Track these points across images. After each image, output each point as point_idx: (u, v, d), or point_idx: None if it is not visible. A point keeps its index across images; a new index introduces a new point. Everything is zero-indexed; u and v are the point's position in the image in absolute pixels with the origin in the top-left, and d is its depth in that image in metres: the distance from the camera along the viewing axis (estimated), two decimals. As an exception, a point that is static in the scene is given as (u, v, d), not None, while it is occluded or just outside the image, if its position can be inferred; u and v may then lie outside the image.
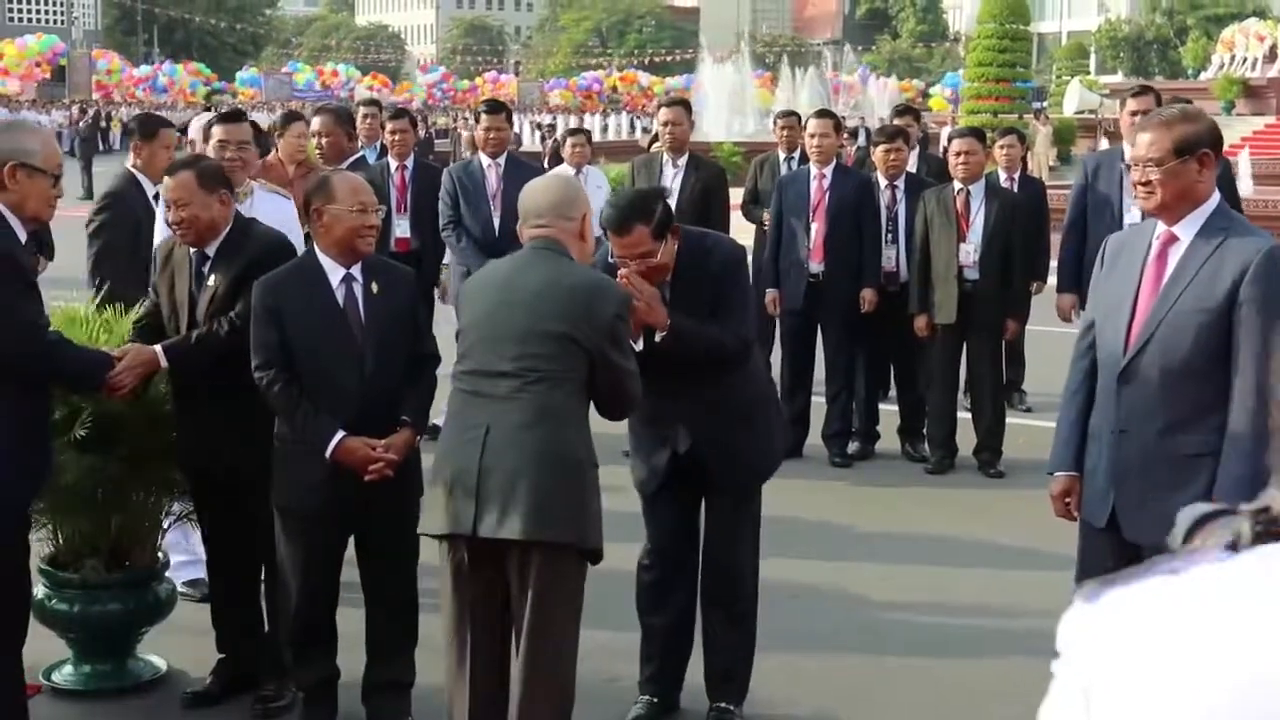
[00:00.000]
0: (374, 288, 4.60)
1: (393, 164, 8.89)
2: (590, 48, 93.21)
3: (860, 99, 57.10)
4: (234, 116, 6.32)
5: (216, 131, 6.01)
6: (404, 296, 4.70)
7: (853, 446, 8.77)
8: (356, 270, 4.60)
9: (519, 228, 4.27)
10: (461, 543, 4.02)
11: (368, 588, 4.80)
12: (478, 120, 8.92)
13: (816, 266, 8.56)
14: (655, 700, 4.99)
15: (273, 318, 4.52)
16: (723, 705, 4.91)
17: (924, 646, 5.73)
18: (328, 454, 4.47)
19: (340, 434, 4.48)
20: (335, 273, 4.58)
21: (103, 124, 47.65)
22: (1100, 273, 4.33)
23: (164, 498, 5.18)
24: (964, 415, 8.63)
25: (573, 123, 49.40)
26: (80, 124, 37.39)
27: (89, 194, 32.13)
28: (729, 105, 49.70)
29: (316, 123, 8.12)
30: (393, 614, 4.77)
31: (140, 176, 6.42)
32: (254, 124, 6.62)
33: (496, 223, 8.43)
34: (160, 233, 5.74)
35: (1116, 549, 4.15)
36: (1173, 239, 4.06)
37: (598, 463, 4.15)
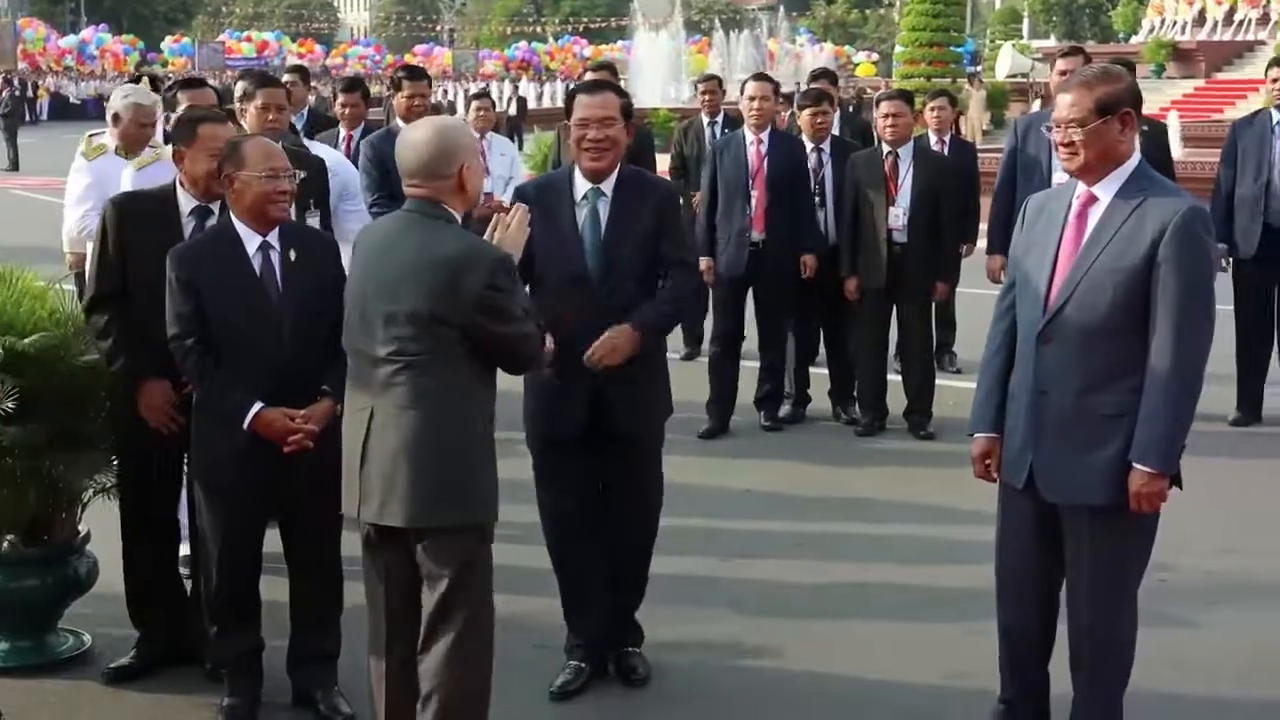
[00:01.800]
0: (291, 255, 4.53)
1: (343, 134, 8.69)
2: (525, 15, 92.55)
3: (796, 65, 57.09)
4: (196, 83, 6.12)
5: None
6: (325, 264, 4.63)
7: (784, 410, 8.79)
8: (273, 238, 4.53)
9: None
10: (362, 522, 4.01)
11: (291, 559, 4.76)
12: (398, 88, 8.55)
13: (758, 235, 8.46)
14: (584, 665, 4.98)
15: (187, 288, 4.44)
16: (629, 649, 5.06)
17: (852, 606, 5.76)
18: (245, 425, 4.41)
19: (258, 405, 4.42)
20: (251, 240, 4.51)
21: (29, 94, 46.88)
22: (1020, 234, 4.33)
23: (84, 472, 5.10)
24: (894, 378, 8.66)
25: (507, 90, 49.19)
26: (4, 94, 36.72)
27: (14, 165, 31.65)
28: (664, 72, 49.62)
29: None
30: (317, 585, 4.72)
31: None
32: (216, 91, 6.42)
33: None
34: None
35: (1035, 509, 4.17)
36: (1092, 199, 4.07)
37: (491, 434, 4.03)
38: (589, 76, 8.85)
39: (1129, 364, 3.99)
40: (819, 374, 9.05)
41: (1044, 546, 4.20)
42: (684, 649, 5.28)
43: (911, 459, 8.00)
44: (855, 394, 8.75)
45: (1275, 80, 8.65)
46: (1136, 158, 4.07)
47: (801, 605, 5.80)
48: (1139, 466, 3.94)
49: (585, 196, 4.85)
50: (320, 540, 4.69)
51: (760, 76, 9.01)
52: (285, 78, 9.90)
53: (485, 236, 4.07)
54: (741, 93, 8.74)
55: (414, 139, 4.02)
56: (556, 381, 4.75)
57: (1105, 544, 4.07)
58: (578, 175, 4.87)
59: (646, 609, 5.12)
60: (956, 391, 8.89)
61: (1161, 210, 3.96)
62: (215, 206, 4.81)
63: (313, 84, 49.27)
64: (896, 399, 8.57)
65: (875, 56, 57.86)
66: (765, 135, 8.52)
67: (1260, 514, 7.13)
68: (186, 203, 4.85)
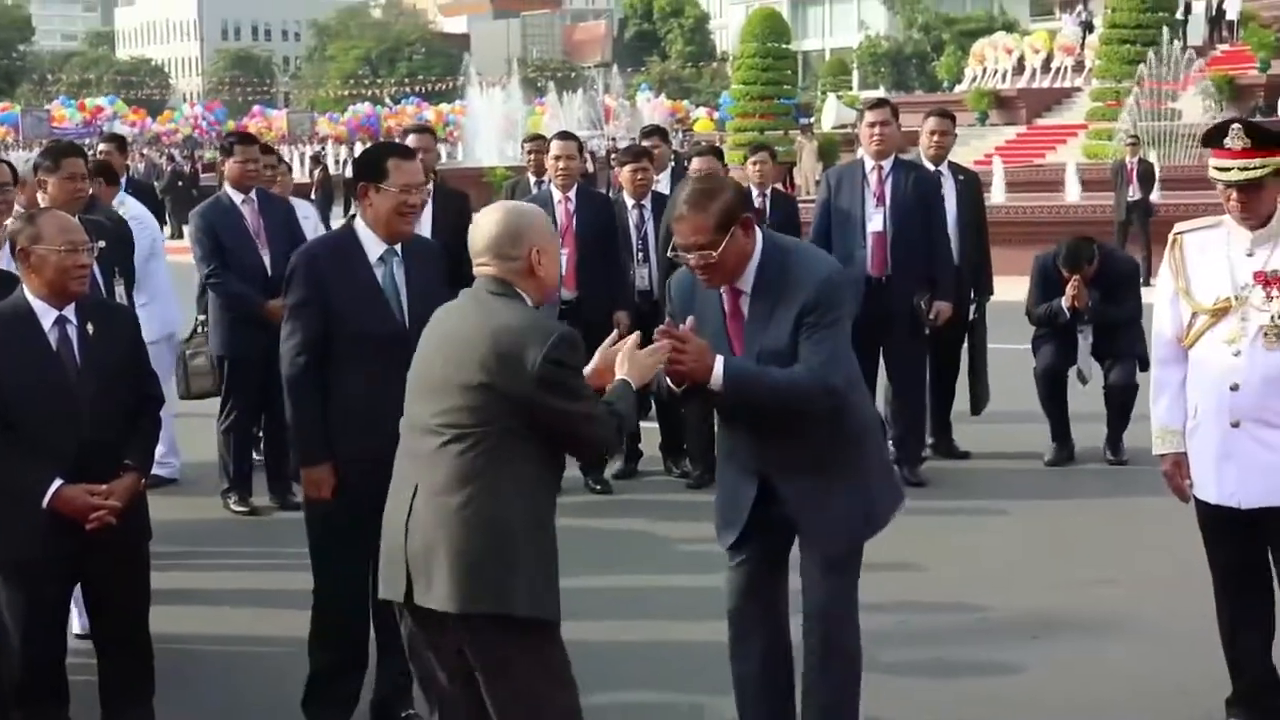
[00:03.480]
0: (89, 329, 4.47)
1: (238, 198, 8.21)
2: (360, 77, 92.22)
3: (630, 120, 57.60)
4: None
5: None
6: (123, 337, 4.57)
7: (614, 468, 8.77)
8: (70, 312, 4.46)
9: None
10: (403, 609, 3.82)
11: (99, 637, 4.66)
12: (229, 154, 8.31)
13: (569, 294, 8.40)
14: None
15: (-20, 364, 4.35)
16: None
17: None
18: (45, 503, 4.32)
19: (58, 482, 4.34)
20: (47, 315, 4.44)
21: None
22: (679, 306, 4.50)
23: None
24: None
25: (343, 152, 48.88)
26: None
27: None
28: (501, 130, 49.79)
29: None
30: (127, 663, 4.63)
31: None
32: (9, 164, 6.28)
33: (268, 263, 7.92)
34: None
35: None
36: (739, 292, 4.32)
37: (551, 525, 3.81)
38: (410, 139, 8.83)
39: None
40: (649, 428, 9.08)
41: None
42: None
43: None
44: (684, 447, 8.81)
45: (871, 125, 8.49)
46: (759, 241, 4.29)
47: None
48: None
49: (382, 257, 4.89)
50: (128, 617, 4.59)
51: (565, 135, 9.04)
52: (101, 147, 9.78)
53: (617, 360, 3.95)
54: (548, 152, 8.76)
55: (484, 219, 3.91)
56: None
57: None
58: (369, 236, 4.87)
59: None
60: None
61: (797, 289, 4.21)
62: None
63: (143, 151, 48.12)
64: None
65: (716, 113, 58.58)
66: (573, 194, 8.56)
67: (1077, 550, 7.32)
68: None
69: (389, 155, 4.90)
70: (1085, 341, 8.89)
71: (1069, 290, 8.73)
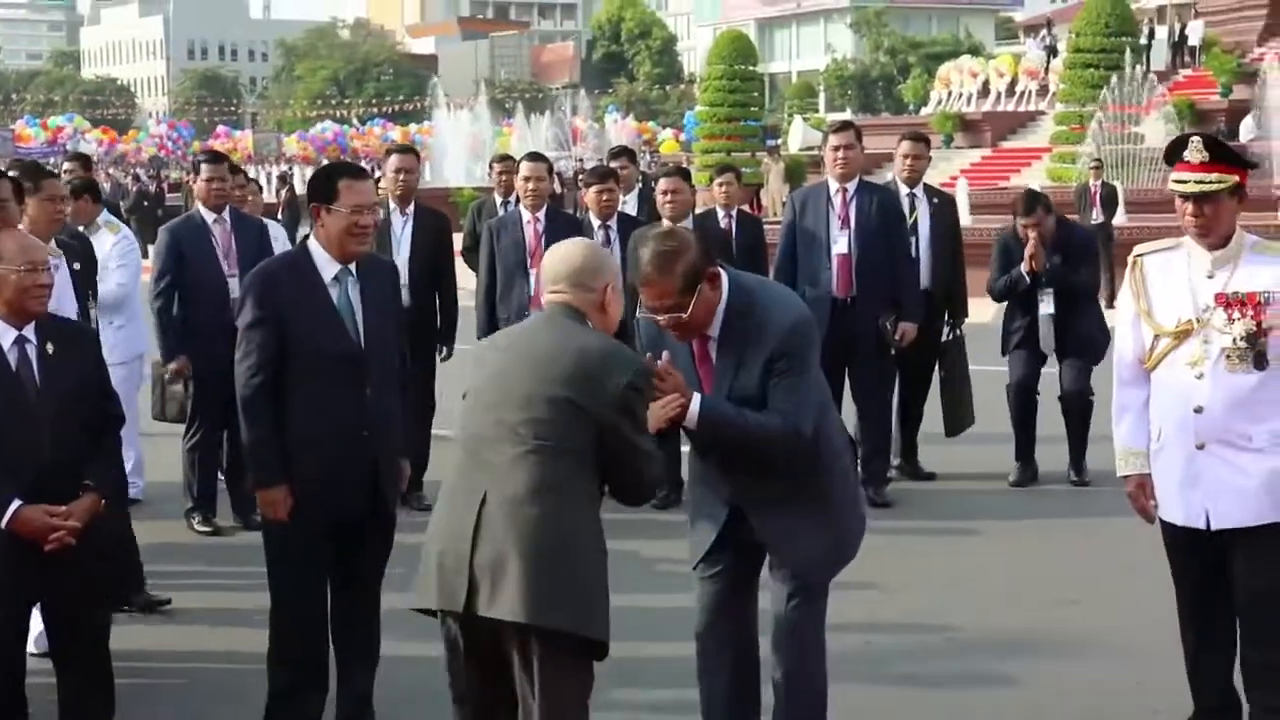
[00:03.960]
0: (49, 348, 4.44)
1: (209, 217, 8.11)
2: (328, 97, 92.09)
3: (599, 141, 57.74)
4: None
5: None
6: (83, 356, 4.55)
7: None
8: (30, 331, 4.43)
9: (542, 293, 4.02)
10: (452, 619, 3.80)
11: (58, 658, 4.61)
12: (197, 171, 8.33)
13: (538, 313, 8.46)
14: None
15: (-61, 385, 4.31)
16: None
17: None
18: (2, 524, 4.28)
19: (16, 503, 4.30)
20: (6, 335, 4.40)
21: None
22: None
23: None
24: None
25: (308, 172, 48.73)
26: None
27: None
28: (469, 151, 49.80)
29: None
30: (86, 685, 4.57)
31: None
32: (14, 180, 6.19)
33: (235, 283, 7.70)
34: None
35: None
36: (706, 337, 4.37)
37: (605, 549, 3.84)
38: (393, 160, 8.80)
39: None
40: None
41: None
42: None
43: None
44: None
45: (835, 148, 8.50)
46: (725, 291, 4.33)
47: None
48: None
49: (336, 277, 4.90)
50: (88, 638, 4.55)
51: (534, 156, 9.05)
52: (65, 165, 9.73)
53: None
54: (515, 174, 8.75)
55: (565, 248, 4.00)
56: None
57: None
58: (323, 256, 4.88)
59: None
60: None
61: (763, 338, 4.29)
62: None
63: (109, 171, 47.83)
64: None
65: (682, 134, 58.81)
66: (542, 214, 8.57)
67: (1041, 570, 7.34)
68: None
69: (340, 176, 4.91)
70: (1046, 309, 8.86)
71: (1027, 251, 8.78)
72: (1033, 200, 8.98)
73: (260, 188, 11.19)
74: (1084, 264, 9.02)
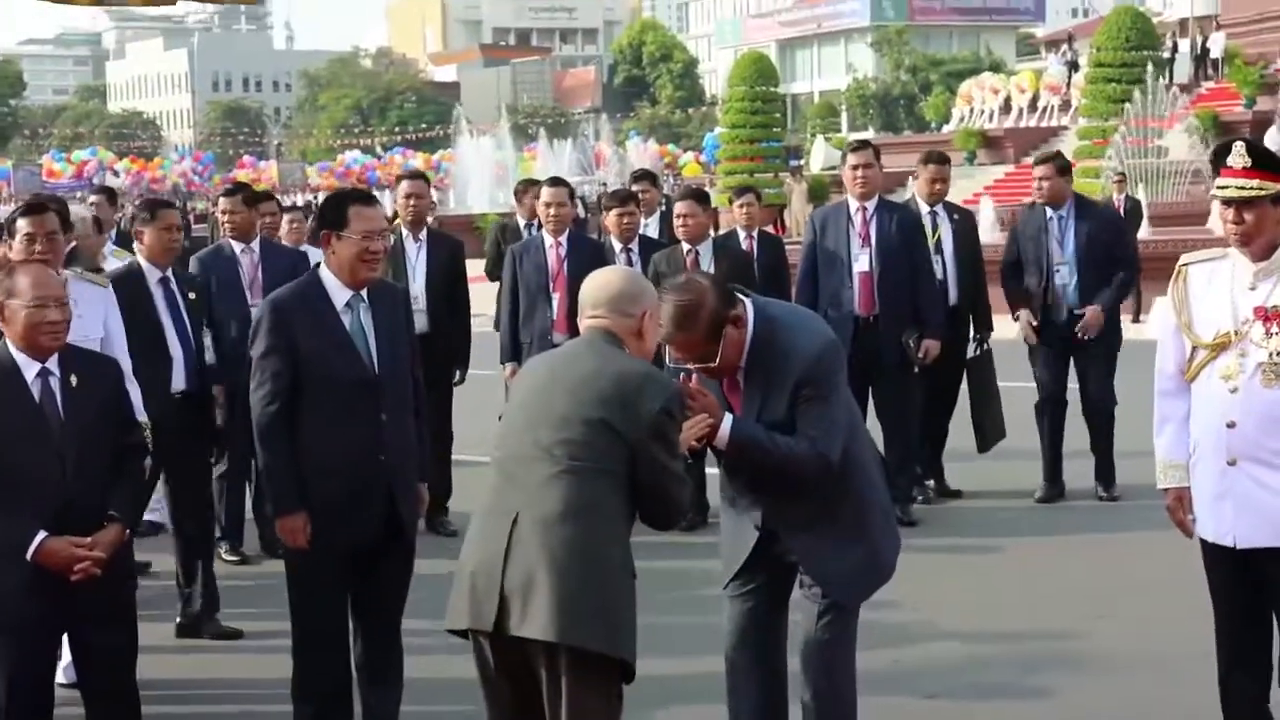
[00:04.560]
0: (73, 380, 4.46)
1: (238, 248, 8.26)
2: (351, 126, 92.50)
3: (621, 165, 57.86)
4: (37, 209, 5.86)
5: (22, 225, 5.64)
6: (105, 386, 4.57)
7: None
8: (53, 364, 4.46)
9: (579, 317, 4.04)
10: (484, 639, 3.81)
11: (86, 690, 4.62)
12: (218, 204, 8.49)
13: (560, 337, 8.30)
14: None
15: (-38, 419, 4.34)
16: None
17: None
18: (28, 557, 4.30)
19: (41, 535, 4.32)
20: (30, 368, 4.43)
21: None
22: None
23: None
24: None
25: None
26: None
27: None
28: (493, 177, 49.94)
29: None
30: (112, 713, 4.58)
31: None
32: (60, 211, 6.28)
33: (254, 314, 7.85)
34: None
35: None
36: (736, 367, 4.39)
37: (635, 571, 3.86)
38: (403, 186, 8.93)
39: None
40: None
41: None
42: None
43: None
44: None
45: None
46: (750, 326, 4.36)
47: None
48: None
49: (348, 304, 4.93)
50: (116, 669, 4.56)
51: (556, 181, 9.10)
52: (91, 199, 9.81)
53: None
54: (538, 198, 8.81)
55: (606, 275, 4.08)
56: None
57: None
58: (334, 283, 4.92)
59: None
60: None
61: (785, 371, 4.32)
62: None
63: (136, 202, 48.40)
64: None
65: (702, 156, 58.85)
66: (564, 239, 8.59)
67: (1070, 587, 7.30)
68: None
69: (350, 203, 4.95)
70: (1062, 281, 8.71)
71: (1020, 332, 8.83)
72: (1047, 153, 9.35)
73: (307, 215, 11.29)
74: (1112, 240, 8.88)
